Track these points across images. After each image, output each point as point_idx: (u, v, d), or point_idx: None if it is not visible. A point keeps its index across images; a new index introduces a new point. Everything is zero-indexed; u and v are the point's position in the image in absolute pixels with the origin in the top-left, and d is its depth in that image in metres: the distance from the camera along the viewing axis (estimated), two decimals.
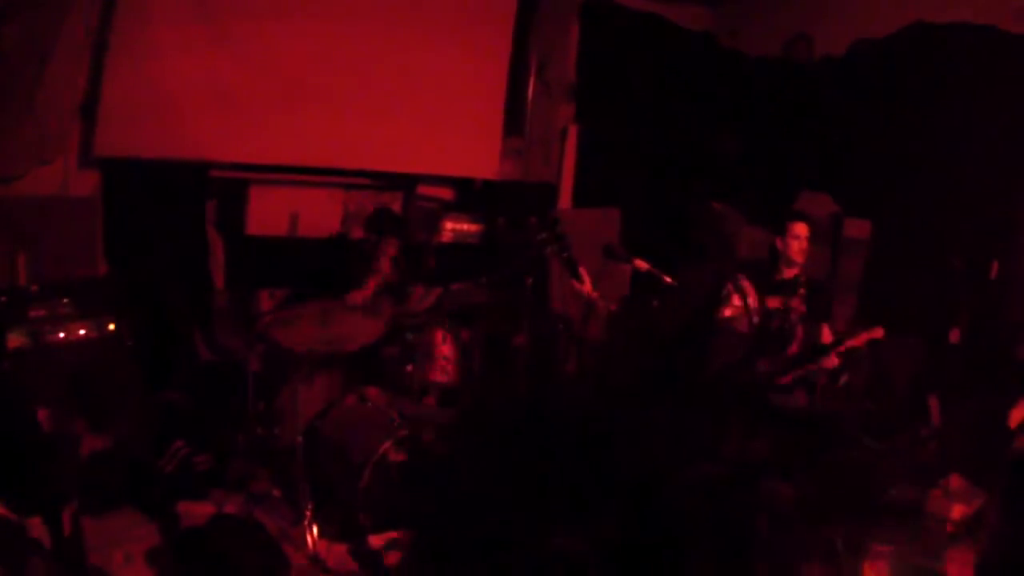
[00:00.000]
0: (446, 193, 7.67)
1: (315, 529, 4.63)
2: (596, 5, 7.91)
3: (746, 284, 4.76)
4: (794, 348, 5.31)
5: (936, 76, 6.28)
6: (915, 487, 5.20)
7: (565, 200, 8.13)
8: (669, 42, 8.25)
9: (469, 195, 7.72)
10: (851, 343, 5.19)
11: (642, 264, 5.05)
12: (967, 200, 6.01)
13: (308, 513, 4.64)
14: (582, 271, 5.20)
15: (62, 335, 4.88)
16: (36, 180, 5.53)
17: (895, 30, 6.59)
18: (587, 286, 5.15)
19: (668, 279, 4.95)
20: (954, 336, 5.99)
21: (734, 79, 8.14)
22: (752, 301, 4.62)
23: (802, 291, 5.34)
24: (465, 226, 7.60)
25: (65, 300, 4.93)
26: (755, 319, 4.54)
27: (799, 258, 5.32)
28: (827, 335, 5.34)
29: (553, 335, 7.00)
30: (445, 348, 5.84)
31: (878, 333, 5.16)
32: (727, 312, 4.54)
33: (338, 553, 4.64)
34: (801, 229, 5.32)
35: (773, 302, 5.30)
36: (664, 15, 8.26)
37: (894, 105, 6.63)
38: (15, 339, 4.71)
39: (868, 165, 6.73)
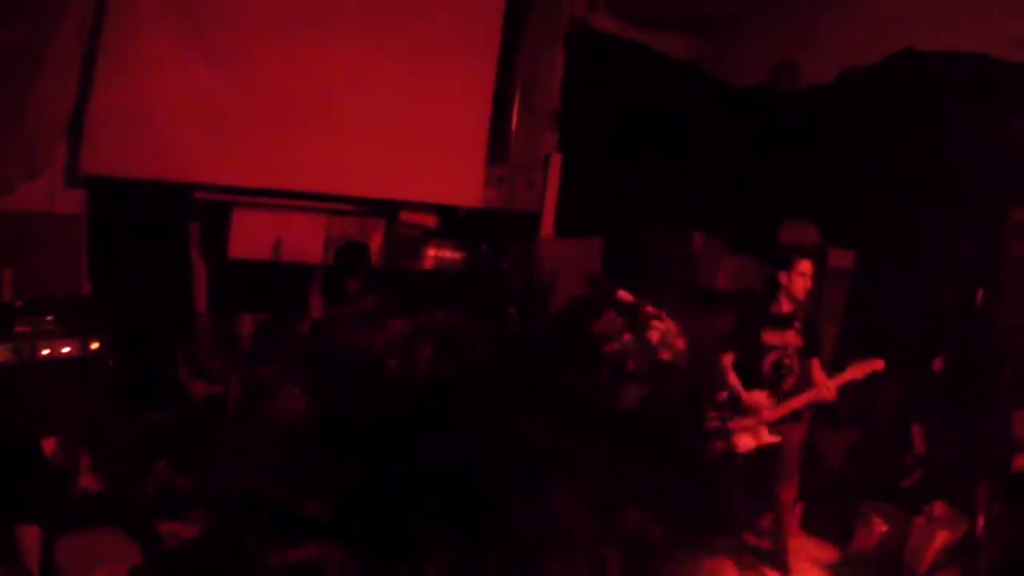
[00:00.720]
0: (429, 220, 7.67)
1: None
2: (581, 33, 7.97)
3: (654, 316, 4.53)
4: (790, 383, 5.19)
5: (924, 105, 6.32)
6: None
7: (547, 228, 8.13)
8: (654, 71, 8.31)
9: (452, 223, 7.72)
10: (852, 376, 5.11)
11: (625, 296, 4.97)
12: (953, 229, 6.04)
13: None
14: None
15: (46, 352, 4.81)
16: (23, 196, 5.48)
17: (883, 57, 6.66)
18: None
19: (651, 310, 4.86)
20: (937, 365, 6.01)
21: (719, 108, 8.21)
22: (655, 336, 4.42)
23: (798, 325, 5.24)
24: (447, 253, 7.60)
25: (49, 317, 4.86)
26: (665, 356, 4.35)
27: (802, 296, 5.21)
28: (819, 370, 5.20)
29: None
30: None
31: (878, 365, 5.08)
32: (610, 347, 4.29)
33: None
34: (806, 267, 5.21)
35: (771, 337, 5.21)
36: (649, 44, 8.36)
37: (881, 134, 6.67)
38: None
39: (853, 194, 6.77)
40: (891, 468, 5.92)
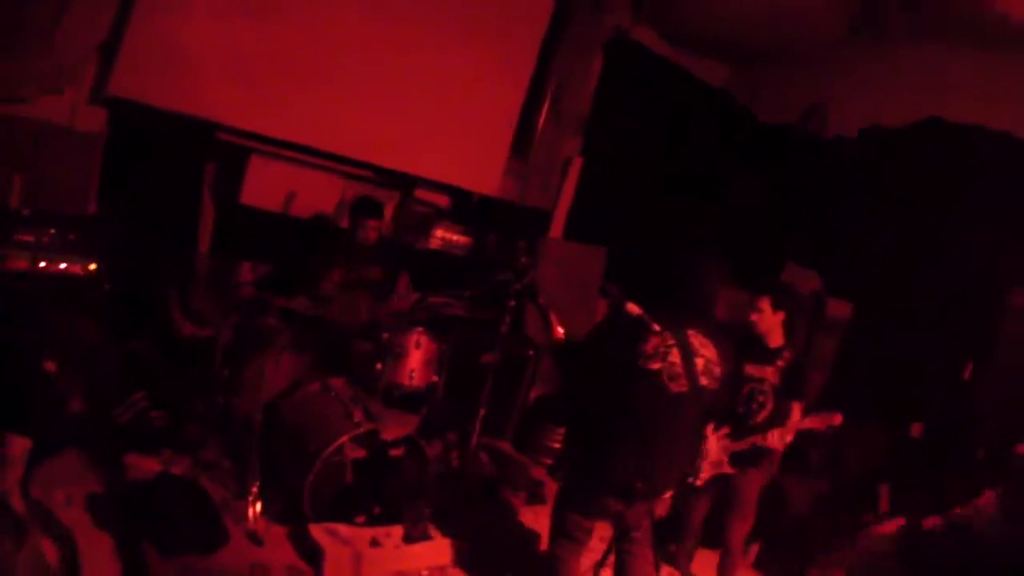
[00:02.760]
0: (443, 200, 7.68)
1: (258, 506, 4.58)
2: (621, 43, 7.98)
3: (700, 342, 4.27)
4: (761, 418, 5.04)
5: (942, 175, 6.34)
6: None
7: (556, 229, 8.15)
8: (687, 91, 8.34)
9: (465, 207, 7.74)
10: (807, 424, 5.01)
11: (633, 309, 4.80)
12: (952, 299, 6.06)
13: (254, 489, 4.60)
14: (552, 319, 4.89)
15: (43, 264, 4.81)
16: (44, 106, 5.47)
17: (912, 121, 6.68)
18: (557, 331, 4.79)
19: (656, 327, 4.69)
20: (916, 430, 6.01)
21: (744, 140, 8.22)
22: (700, 362, 4.18)
23: (780, 364, 5.06)
24: (455, 236, 7.60)
25: (52, 231, 4.87)
26: (703, 381, 4.14)
27: (754, 331, 5.06)
28: (797, 414, 5.03)
29: (522, 358, 6.99)
30: (416, 353, 5.82)
31: (837, 419, 4.99)
32: (654, 365, 4.08)
33: (276, 534, 4.60)
34: (764, 305, 5.05)
35: (750, 368, 5.05)
36: (686, 66, 8.38)
37: (897, 194, 6.69)
38: None
39: (860, 248, 6.78)
40: (853, 522, 5.94)
